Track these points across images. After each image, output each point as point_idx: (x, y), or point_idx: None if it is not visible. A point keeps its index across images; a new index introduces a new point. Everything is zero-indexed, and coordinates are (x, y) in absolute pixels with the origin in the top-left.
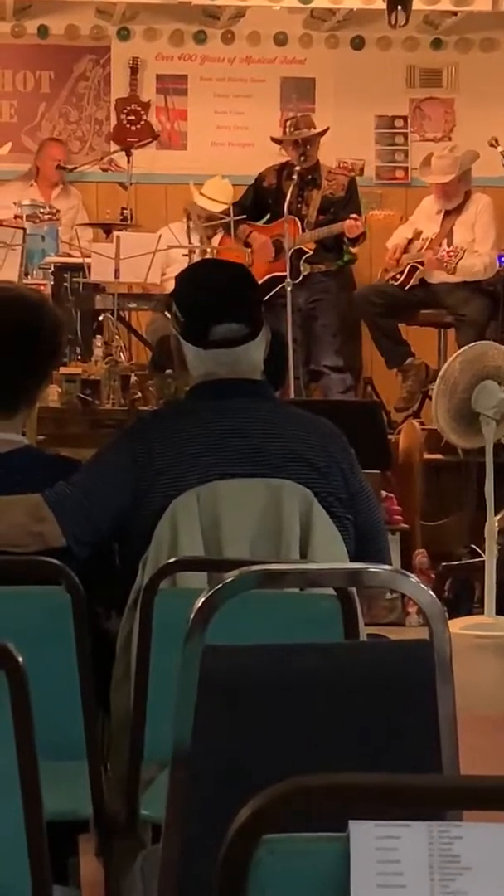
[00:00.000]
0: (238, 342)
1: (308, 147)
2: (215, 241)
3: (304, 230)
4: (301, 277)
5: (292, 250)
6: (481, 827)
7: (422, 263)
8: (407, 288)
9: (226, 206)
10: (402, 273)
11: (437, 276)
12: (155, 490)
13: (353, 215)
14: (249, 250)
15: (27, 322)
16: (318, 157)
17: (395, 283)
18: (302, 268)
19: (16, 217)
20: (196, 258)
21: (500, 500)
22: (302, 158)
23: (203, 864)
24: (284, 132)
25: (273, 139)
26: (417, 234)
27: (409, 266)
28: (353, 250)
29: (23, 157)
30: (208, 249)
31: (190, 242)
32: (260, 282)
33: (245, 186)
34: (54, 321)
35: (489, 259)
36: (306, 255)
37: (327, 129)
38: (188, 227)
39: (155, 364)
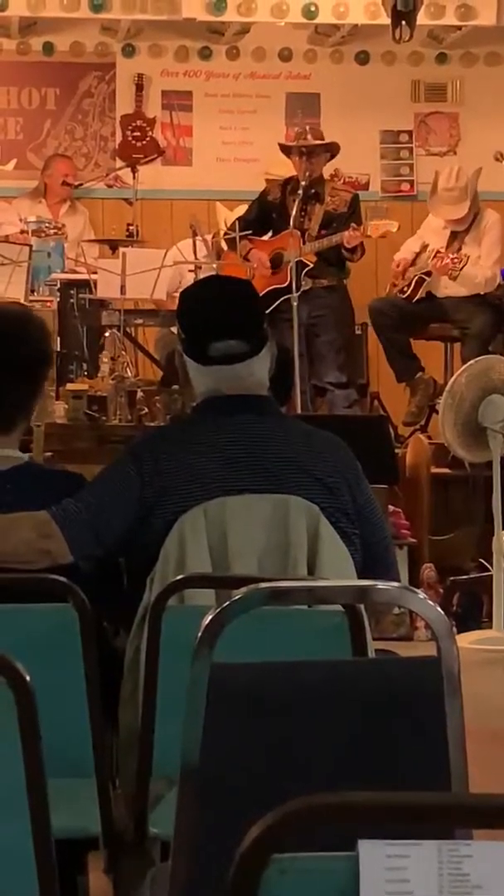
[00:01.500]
0: (238, 359)
1: (314, 158)
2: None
3: (305, 243)
4: (301, 291)
5: (293, 262)
6: (491, 845)
7: (428, 274)
8: (415, 301)
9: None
10: (408, 286)
11: (443, 290)
12: (162, 506)
13: (353, 225)
14: (252, 264)
15: (13, 335)
16: (322, 173)
17: (403, 296)
18: (303, 282)
19: (22, 233)
20: (203, 274)
21: None
22: (306, 172)
23: (212, 882)
24: (294, 141)
25: (281, 146)
26: (425, 248)
27: (415, 278)
28: (348, 264)
29: (28, 173)
30: (214, 265)
31: (196, 258)
32: (260, 295)
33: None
34: (40, 331)
35: (491, 273)
36: (307, 269)
37: (338, 147)
38: (194, 242)
39: (166, 381)
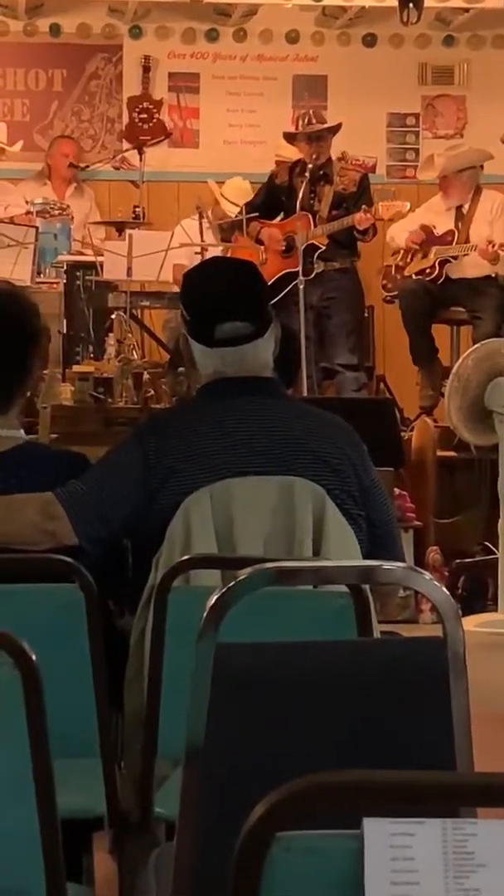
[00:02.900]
0: (244, 340)
1: (321, 142)
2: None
3: (315, 226)
4: (314, 275)
5: (304, 246)
6: (495, 824)
7: (455, 257)
8: (439, 283)
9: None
10: (432, 267)
11: (456, 272)
12: (167, 488)
13: (364, 206)
14: (262, 248)
15: (2, 313)
16: (331, 154)
17: (428, 278)
18: (315, 265)
19: (27, 214)
20: (210, 255)
21: None
22: (314, 156)
23: (217, 862)
24: (297, 128)
25: (285, 135)
26: (430, 230)
27: (438, 260)
28: (359, 247)
29: (35, 155)
30: (220, 248)
31: (203, 240)
32: (273, 279)
33: (258, 185)
34: (28, 307)
35: None
36: (319, 251)
37: (340, 125)
38: (200, 224)
39: (174, 363)
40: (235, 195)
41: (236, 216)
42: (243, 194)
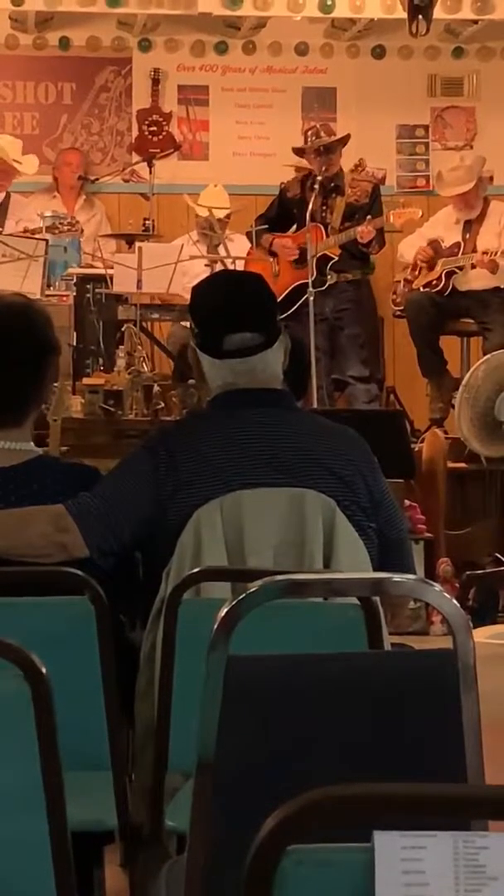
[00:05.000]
0: (253, 351)
1: (331, 155)
2: (235, 249)
3: (327, 237)
4: (326, 286)
5: (316, 257)
6: None
7: (460, 268)
8: (445, 294)
9: (227, 210)
10: (438, 279)
11: (464, 284)
12: (178, 500)
13: (369, 217)
14: (275, 260)
15: (17, 326)
16: (341, 165)
17: (434, 291)
18: (329, 276)
19: (26, 230)
20: (219, 269)
21: None
22: (324, 168)
23: (228, 875)
24: (306, 142)
25: (294, 150)
26: (438, 243)
27: (444, 272)
28: (372, 258)
29: (45, 168)
30: (228, 260)
31: (209, 253)
32: (287, 290)
33: (267, 196)
34: (43, 319)
35: None
36: (332, 262)
37: (349, 136)
38: (209, 238)
39: (178, 374)
40: (213, 201)
41: (248, 231)
42: (220, 199)
